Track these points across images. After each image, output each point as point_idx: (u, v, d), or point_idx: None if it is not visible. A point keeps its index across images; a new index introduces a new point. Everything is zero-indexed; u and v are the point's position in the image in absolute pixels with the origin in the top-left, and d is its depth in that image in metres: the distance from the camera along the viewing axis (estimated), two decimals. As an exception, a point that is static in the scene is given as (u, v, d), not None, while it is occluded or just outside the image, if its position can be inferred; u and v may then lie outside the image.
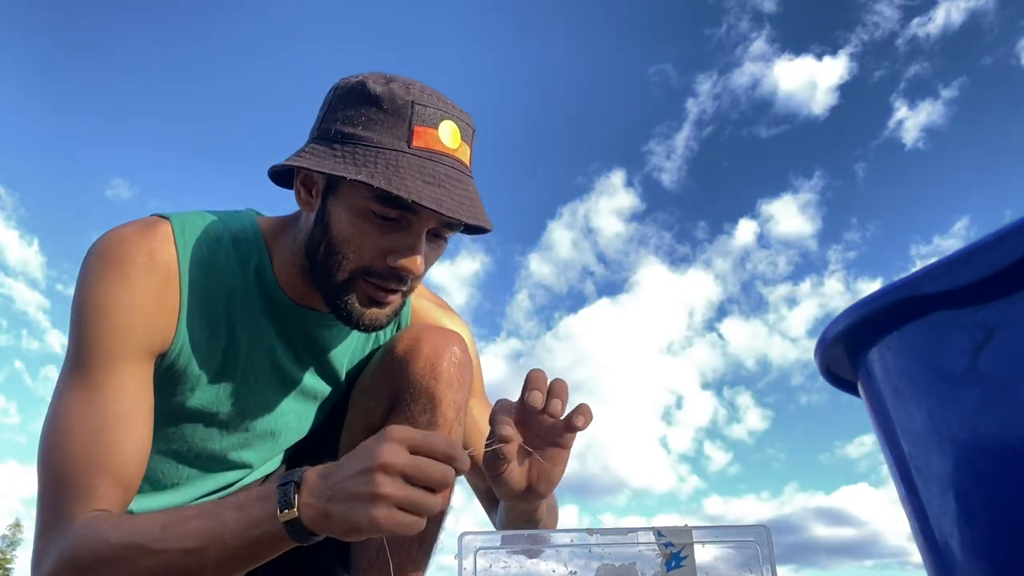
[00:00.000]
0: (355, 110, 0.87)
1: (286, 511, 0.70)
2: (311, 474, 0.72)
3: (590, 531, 0.67)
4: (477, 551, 0.66)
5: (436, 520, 1.05)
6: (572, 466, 0.87)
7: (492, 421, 0.83)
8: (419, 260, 0.87)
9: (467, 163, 0.89)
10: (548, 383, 0.82)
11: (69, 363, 0.87)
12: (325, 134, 0.88)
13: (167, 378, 0.93)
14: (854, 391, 0.67)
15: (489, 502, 1.16)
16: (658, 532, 0.66)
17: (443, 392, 0.99)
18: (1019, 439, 0.47)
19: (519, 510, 0.93)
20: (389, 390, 1.02)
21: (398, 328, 1.13)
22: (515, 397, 0.84)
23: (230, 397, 0.98)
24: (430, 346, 1.00)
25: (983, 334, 0.49)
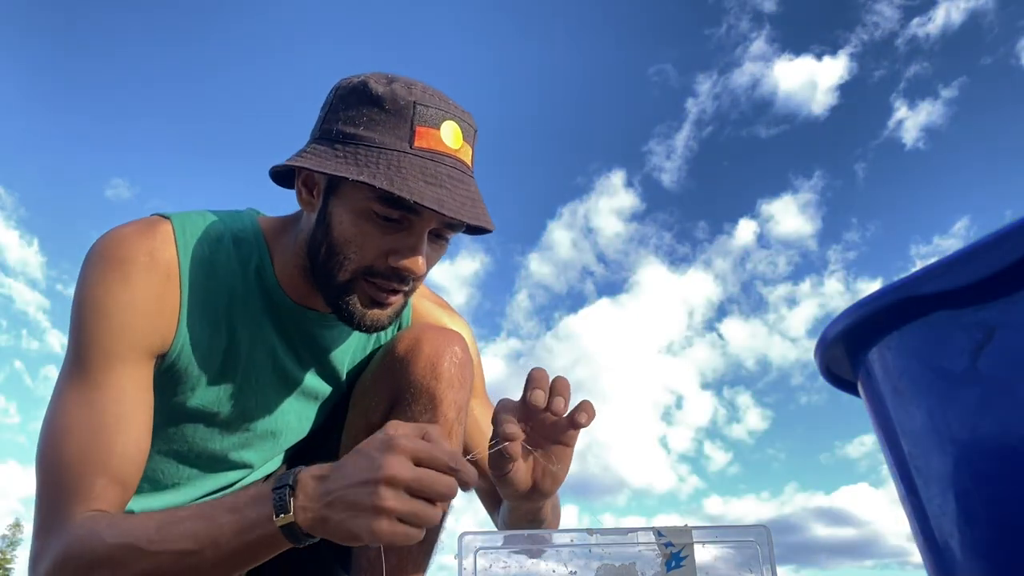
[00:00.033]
0: (357, 110, 0.87)
1: (282, 515, 0.70)
2: (306, 477, 0.71)
3: (590, 531, 0.67)
4: (477, 551, 0.66)
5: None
6: (572, 466, 0.87)
7: (495, 420, 0.83)
8: (421, 261, 0.88)
9: (469, 164, 0.89)
10: (550, 381, 0.82)
11: (69, 363, 0.87)
12: (327, 134, 0.88)
13: (168, 378, 0.93)
14: (854, 391, 0.67)
15: (491, 502, 1.16)
16: (658, 532, 0.66)
17: (444, 392, 0.99)
18: (1019, 439, 0.47)
19: (524, 510, 0.93)
20: (390, 390, 1.02)
21: (399, 328, 1.13)
22: (516, 397, 0.84)
23: (231, 397, 0.98)
24: (431, 346, 1.00)
25: (983, 334, 0.49)
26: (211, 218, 0.97)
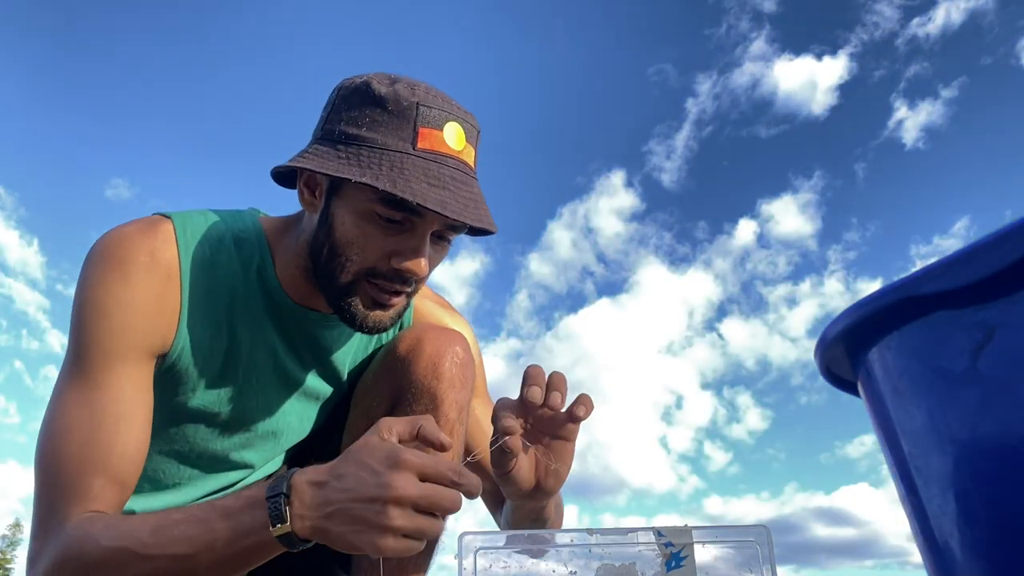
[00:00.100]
0: (359, 111, 0.87)
1: (279, 525, 0.69)
2: (301, 483, 0.71)
3: (590, 531, 0.67)
4: (477, 551, 0.66)
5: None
6: (572, 466, 0.88)
7: (494, 418, 0.83)
8: (423, 262, 0.88)
9: (472, 165, 0.89)
10: (546, 377, 0.82)
11: (69, 362, 0.87)
12: (329, 135, 0.88)
13: (168, 378, 0.93)
14: (854, 391, 0.67)
15: (493, 501, 1.16)
16: (658, 532, 0.66)
17: (445, 392, 0.99)
18: (1019, 439, 0.47)
19: (527, 509, 0.93)
20: (391, 390, 1.02)
21: (400, 328, 1.13)
22: (515, 396, 0.84)
23: (232, 398, 0.98)
24: (432, 346, 1.00)
25: (983, 334, 0.49)
26: (213, 218, 0.97)
